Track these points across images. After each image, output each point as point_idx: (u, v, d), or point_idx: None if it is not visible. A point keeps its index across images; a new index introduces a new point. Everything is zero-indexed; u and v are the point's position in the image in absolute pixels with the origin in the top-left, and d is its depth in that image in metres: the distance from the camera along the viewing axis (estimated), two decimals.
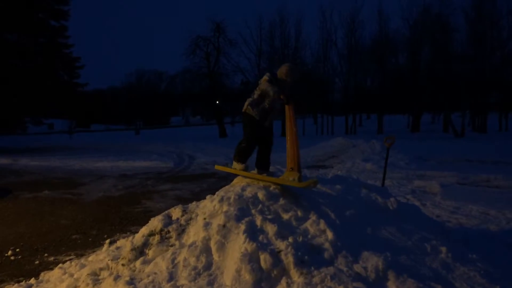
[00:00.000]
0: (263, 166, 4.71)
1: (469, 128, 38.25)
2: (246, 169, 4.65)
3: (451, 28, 35.73)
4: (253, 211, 3.92)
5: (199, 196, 7.36)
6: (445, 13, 35.97)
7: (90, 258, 4.58)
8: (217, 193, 4.37)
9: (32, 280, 4.15)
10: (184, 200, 7.98)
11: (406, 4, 57.10)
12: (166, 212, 4.42)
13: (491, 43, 34.30)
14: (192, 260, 3.52)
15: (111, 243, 4.84)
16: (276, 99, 4.41)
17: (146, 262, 3.74)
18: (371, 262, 3.33)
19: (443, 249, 3.70)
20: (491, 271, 3.56)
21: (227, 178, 4.90)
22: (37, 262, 4.94)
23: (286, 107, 4.37)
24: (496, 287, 3.28)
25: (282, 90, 4.36)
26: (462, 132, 30.63)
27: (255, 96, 4.56)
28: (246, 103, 4.61)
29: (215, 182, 10.84)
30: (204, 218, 3.98)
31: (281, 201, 4.03)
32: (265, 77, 4.51)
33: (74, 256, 5.09)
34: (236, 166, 4.67)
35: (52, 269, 4.50)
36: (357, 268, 3.28)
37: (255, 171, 4.72)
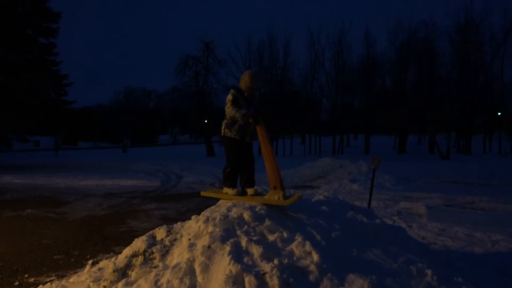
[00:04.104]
0: (249, 183, 4.68)
1: (454, 149, 38.76)
2: (239, 193, 4.60)
3: (437, 51, 36.55)
4: (238, 232, 3.88)
5: (185, 216, 7.29)
6: (431, 37, 36.85)
7: (71, 279, 4.47)
8: (202, 213, 4.33)
9: None
10: (170, 220, 7.89)
11: (393, 27, 58.21)
12: (150, 232, 4.36)
13: (475, 66, 35.07)
14: (176, 282, 3.45)
15: (93, 264, 4.74)
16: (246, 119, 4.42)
17: (128, 284, 3.66)
18: (356, 285, 3.31)
19: (429, 272, 3.69)
20: None
21: (214, 198, 4.85)
22: (16, 283, 4.81)
23: (257, 127, 4.40)
24: None
25: (248, 112, 4.40)
26: (447, 154, 30.98)
27: (228, 117, 4.56)
28: (223, 126, 4.62)
29: (202, 201, 10.74)
30: (189, 239, 3.93)
31: (267, 222, 4.00)
32: (229, 97, 4.51)
33: (55, 277, 4.96)
34: (229, 191, 4.63)
35: None
36: None
37: (240, 189, 4.69)
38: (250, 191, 4.60)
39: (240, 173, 4.71)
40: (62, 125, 28.87)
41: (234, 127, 4.54)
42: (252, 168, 4.73)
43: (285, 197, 4.28)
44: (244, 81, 4.65)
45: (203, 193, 4.92)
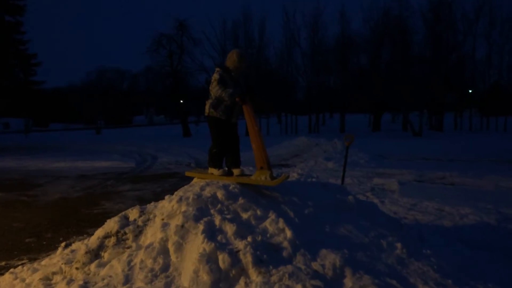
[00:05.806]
0: (235, 164, 4.62)
1: (427, 127, 39.57)
2: (225, 173, 4.55)
3: (410, 30, 36.88)
4: (212, 211, 3.88)
5: (160, 197, 7.21)
6: (405, 16, 37.09)
7: (43, 262, 4.41)
8: (175, 193, 4.30)
9: None
10: (145, 201, 7.82)
11: (367, 6, 58.29)
12: (123, 213, 4.32)
13: (447, 45, 35.59)
14: (149, 262, 3.45)
15: (66, 246, 4.68)
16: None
17: (101, 265, 3.64)
18: (328, 259, 3.37)
19: (399, 245, 3.79)
20: (444, 266, 3.67)
21: (190, 178, 4.82)
22: None
23: (244, 107, 4.33)
24: (448, 281, 3.37)
25: (236, 91, 4.31)
26: (420, 131, 31.60)
27: (213, 96, 4.46)
28: (207, 105, 4.51)
29: (177, 182, 10.70)
30: (162, 219, 3.91)
31: (240, 201, 4.01)
32: (215, 76, 4.41)
33: (27, 261, 4.88)
34: (214, 172, 4.57)
35: (2, 274, 4.31)
36: (315, 265, 3.31)
37: (226, 170, 4.65)
38: (236, 171, 4.55)
39: (226, 154, 4.64)
40: (31, 105, 28.05)
41: (220, 107, 4.44)
42: (237, 148, 4.67)
43: (272, 177, 4.26)
44: (232, 60, 4.53)
45: (188, 174, 4.85)
